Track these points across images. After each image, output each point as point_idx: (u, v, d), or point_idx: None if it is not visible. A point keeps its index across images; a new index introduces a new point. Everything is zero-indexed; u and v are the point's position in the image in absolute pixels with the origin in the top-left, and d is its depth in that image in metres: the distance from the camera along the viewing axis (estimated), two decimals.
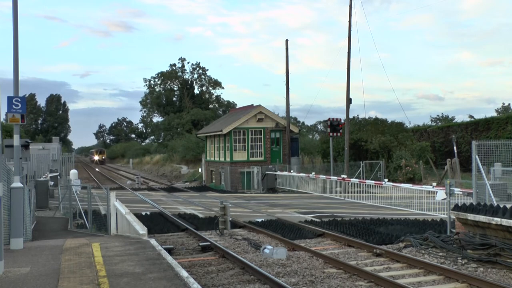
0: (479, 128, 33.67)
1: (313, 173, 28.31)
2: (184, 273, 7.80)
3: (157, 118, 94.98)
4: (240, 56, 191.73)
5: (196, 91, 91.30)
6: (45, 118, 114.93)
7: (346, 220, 16.42)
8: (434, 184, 23.21)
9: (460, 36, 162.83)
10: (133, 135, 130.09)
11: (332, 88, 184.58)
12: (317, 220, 16.86)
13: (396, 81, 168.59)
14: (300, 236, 13.93)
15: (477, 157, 14.39)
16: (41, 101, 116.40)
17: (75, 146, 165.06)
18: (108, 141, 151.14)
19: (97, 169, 73.45)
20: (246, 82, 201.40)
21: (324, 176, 27.24)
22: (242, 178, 33.00)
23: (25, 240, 11.73)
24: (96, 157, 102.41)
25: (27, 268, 8.56)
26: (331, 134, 31.90)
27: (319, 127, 79.96)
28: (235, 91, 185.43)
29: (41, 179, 23.85)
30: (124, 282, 7.40)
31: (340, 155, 34.17)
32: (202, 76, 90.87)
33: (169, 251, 11.14)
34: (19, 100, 11.45)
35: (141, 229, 12.02)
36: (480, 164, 14.44)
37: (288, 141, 34.38)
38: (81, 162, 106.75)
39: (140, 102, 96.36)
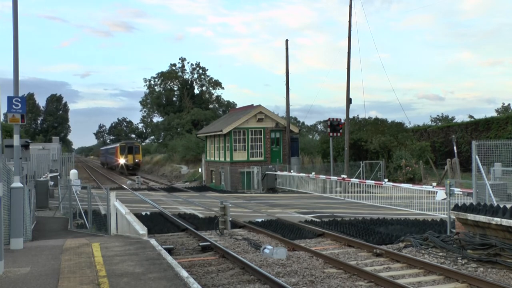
0: (479, 128, 33.66)
1: (313, 173, 28.31)
2: (184, 273, 7.80)
3: (157, 118, 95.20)
4: (240, 56, 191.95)
5: (196, 91, 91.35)
6: (45, 118, 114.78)
7: (346, 220, 16.41)
8: (434, 184, 23.19)
9: (460, 36, 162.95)
10: (133, 135, 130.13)
11: (332, 88, 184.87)
12: (317, 220, 16.86)
13: (396, 81, 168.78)
14: (300, 236, 13.92)
15: (477, 157, 14.39)
16: (42, 101, 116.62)
17: (75, 146, 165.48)
18: (108, 141, 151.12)
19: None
20: (246, 82, 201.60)
21: (324, 176, 27.24)
22: (242, 178, 33.00)
23: (25, 240, 11.73)
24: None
25: (27, 268, 8.56)
26: (331, 134, 31.91)
27: (319, 127, 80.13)
28: (235, 91, 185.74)
29: (41, 179, 23.84)
30: (124, 282, 7.40)
31: (340, 155, 34.17)
32: (202, 76, 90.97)
33: (169, 251, 11.13)
34: (19, 100, 11.46)
35: (141, 229, 12.03)
36: (480, 164, 14.44)
37: (288, 141, 34.38)
38: (81, 162, 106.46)
39: (140, 102, 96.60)
